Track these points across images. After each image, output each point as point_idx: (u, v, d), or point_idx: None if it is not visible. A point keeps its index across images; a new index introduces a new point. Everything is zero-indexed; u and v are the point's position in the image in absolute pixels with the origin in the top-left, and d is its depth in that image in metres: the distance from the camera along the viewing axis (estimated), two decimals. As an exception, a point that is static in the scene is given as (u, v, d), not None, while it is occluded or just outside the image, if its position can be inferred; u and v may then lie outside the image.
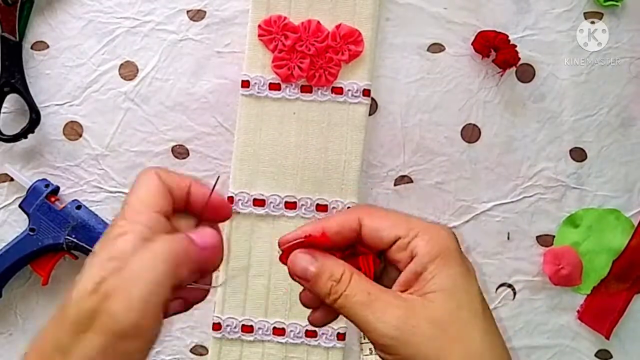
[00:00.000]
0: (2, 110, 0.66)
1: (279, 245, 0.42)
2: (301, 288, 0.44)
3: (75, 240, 0.65)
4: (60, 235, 0.65)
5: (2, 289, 0.67)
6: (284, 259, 0.42)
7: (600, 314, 0.69)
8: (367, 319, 0.38)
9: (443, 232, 0.40)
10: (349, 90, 0.67)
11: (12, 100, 0.67)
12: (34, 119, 0.66)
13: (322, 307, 0.44)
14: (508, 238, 0.70)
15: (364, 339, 0.68)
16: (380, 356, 0.39)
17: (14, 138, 0.66)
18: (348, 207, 0.60)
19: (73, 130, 0.68)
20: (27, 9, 0.67)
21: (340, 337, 0.67)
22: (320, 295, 0.40)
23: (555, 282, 0.69)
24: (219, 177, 0.50)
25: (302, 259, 0.41)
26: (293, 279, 0.42)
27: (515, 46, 0.68)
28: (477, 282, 0.40)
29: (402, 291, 0.39)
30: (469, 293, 0.39)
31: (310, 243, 0.41)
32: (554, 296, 0.70)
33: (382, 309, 0.38)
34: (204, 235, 0.41)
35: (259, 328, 0.67)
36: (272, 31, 0.67)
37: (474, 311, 0.39)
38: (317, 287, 0.40)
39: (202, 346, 0.69)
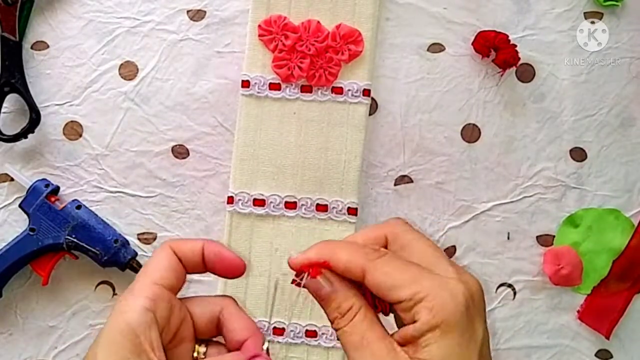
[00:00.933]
0: (2, 110, 0.66)
1: (290, 265, 0.41)
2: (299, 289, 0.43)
3: (75, 240, 0.65)
4: (60, 235, 0.65)
5: (2, 289, 0.67)
6: (296, 279, 0.41)
7: (601, 314, 0.70)
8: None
9: (450, 299, 0.37)
10: (349, 90, 0.67)
11: (12, 100, 0.67)
12: (34, 119, 0.66)
13: None
14: (508, 238, 0.70)
15: None
16: None
17: (14, 138, 0.66)
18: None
19: (73, 130, 0.68)
20: (27, 9, 0.67)
21: (340, 337, 0.67)
22: (328, 317, 0.41)
23: (555, 282, 0.69)
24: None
25: (317, 281, 0.40)
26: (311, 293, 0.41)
27: (515, 46, 0.68)
28: (479, 349, 0.38)
29: (401, 343, 0.39)
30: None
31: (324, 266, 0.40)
32: (554, 296, 0.70)
33: (364, 358, 0.38)
34: None
35: (259, 328, 0.67)
36: (272, 31, 0.67)
37: None
38: (326, 309, 0.40)
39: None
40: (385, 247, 0.41)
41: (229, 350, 0.43)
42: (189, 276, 0.43)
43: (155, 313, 0.39)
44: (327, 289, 0.40)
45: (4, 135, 0.66)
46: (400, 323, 0.40)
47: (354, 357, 0.39)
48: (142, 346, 0.38)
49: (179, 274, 0.42)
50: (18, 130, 0.66)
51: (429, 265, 0.40)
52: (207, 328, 0.43)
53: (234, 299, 0.44)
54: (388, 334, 0.39)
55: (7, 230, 0.68)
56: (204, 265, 0.43)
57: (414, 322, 0.38)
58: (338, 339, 0.40)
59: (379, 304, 0.41)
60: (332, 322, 0.40)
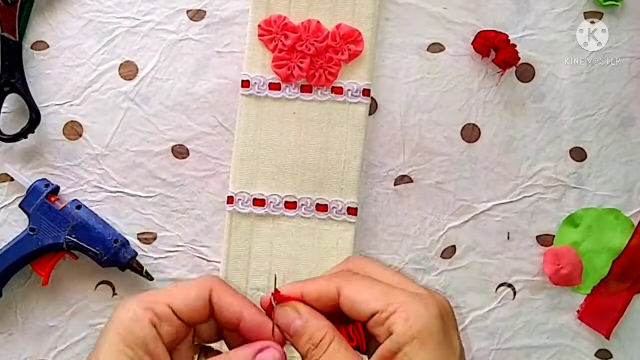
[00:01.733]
0: (2, 110, 0.66)
1: (261, 304, 0.41)
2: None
3: (75, 240, 0.65)
4: (60, 235, 0.65)
5: (2, 289, 0.67)
6: (269, 308, 0.41)
7: (601, 314, 0.70)
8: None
9: (425, 310, 0.37)
10: (349, 90, 0.67)
11: (12, 100, 0.67)
12: (34, 119, 0.66)
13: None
14: (508, 238, 0.70)
15: None
16: None
17: (14, 138, 0.66)
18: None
19: (73, 130, 0.68)
20: (27, 9, 0.67)
21: (341, 337, 0.67)
22: (300, 353, 0.39)
23: (555, 282, 0.69)
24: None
25: (289, 313, 0.39)
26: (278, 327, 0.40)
27: (516, 46, 0.68)
28: (457, 358, 0.37)
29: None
30: None
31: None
32: (554, 296, 0.70)
33: None
34: None
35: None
36: (272, 31, 0.67)
37: None
38: (297, 345, 0.39)
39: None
40: (339, 296, 0.40)
41: (228, 339, 0.42)
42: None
43: (160, 330, 0.38)
44: (298, 322, 0.39)
45: (4, 135, 0.66)
46: (376, 346, 0.39)
47: None
48: (147, 352, 0.37)
49: (197, 314, 0.40)
50: (18, 131, 0.66)
51: (399, 285, 0.39)
52: (199, 313, 0.41)
53: (218, 278, 0.43)
54: None
55: (7, 230, 0.68)
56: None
57: (390, 335, 0.37)
58: None
59: (354, 335, 0.40)
60: (306, 356, 0.38)
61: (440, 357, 0.36)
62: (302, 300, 0.39)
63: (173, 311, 0.39)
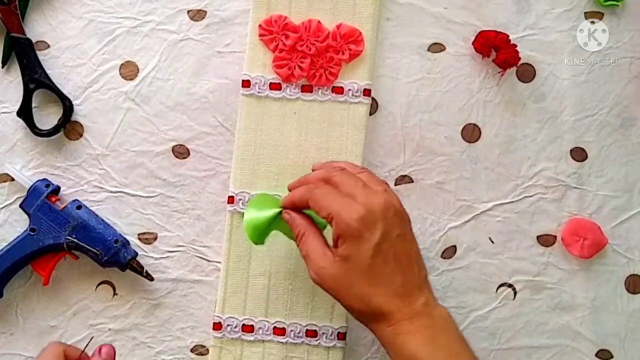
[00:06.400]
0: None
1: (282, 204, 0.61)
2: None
3: (75, 240, 0.65)
4: (60, 235, 0.65)
5: (3, 289, 0.67)
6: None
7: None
8: (305, 267, 0.59)
9: (348, 216, 0.55)
10: (349, 90, 0.67)
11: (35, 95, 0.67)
12: (68, 106, 0.66)
13: None
14: (492, 242, 0.70)
15: None
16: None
17: (53, 131, 0.67)
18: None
19: (74, 130, 0.68)
20: (22, 8, 0.67)
21: (341, 336, 0.67)
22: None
23: (587, 255, 0.69)
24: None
25: (285, 218, 0.61)
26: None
27: (516, 46, 0.68)
28: (373, 247, 0.55)
29: (335, 246, 0.57)
30: (359, 259, 0.55)
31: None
32: (554, 296, 0.70)
33: (309, 264, 0.58)
34: None
35: (260, 328, 0.67)
36: (273, 31, 0.67)
37: (361, 271, 0.56)
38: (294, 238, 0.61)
39: (202, 346, 0.69)
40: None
41: None
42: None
43: None
44: (290, 220, 0.60)
45: (41, 130, 0.67)
46: None
47: (306, 264, 0.58)
48: None
49: None
50: (50, 125, 0.67)
51: (351, 192, 0.57)
52: None
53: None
54: (328, 245, 0.58)
55: (7, 230, 0.68)
56: None
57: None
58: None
59: None
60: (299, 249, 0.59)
61: (355, 244, 0.55)
62: (294, 205, 0.60)
63: None
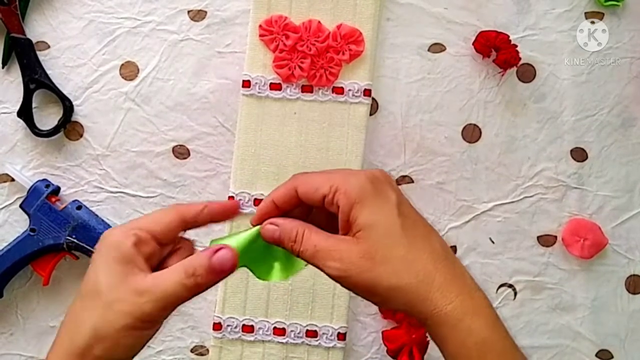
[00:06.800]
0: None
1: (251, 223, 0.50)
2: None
3: (75, 240, 0.65)
4: (60, 235, 0.65)
5: (3, 289, 0.67)
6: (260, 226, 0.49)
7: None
8: (318, 266, 0.46)
9: (356, 180, 0.46)
10: (349, 90, 0.67)
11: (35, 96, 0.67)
12: (68, 107, 0.66)
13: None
14: (492, 242, 0.70)
15: None
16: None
17: (53, 131, 0.67)
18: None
19: (74, 131, 0.68)
20: (22, 8, 0.67)
21: (341, 337, 0.67)
22: (295, 255, 0.48)
23: (588, 255, 0.69)
24: None
25: (268, 229, 0.48)
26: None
27: (516, 46, 0.68)
28: (396, 207, 0.46)
29: (344, 234, 0.47)
30: (387, 222, 0.46)
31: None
32: (555, 296, 0.70)
33: (324, 258, 0.46)
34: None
35: (260, 328, 0.67)
36: (273, 31, 0.67)
37: (394, 235, 0.46)
38: (287, 248, 0.48)
39: (202, 346, 0.69)
40: (297, 194, 0.49)
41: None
42: None
43: (140, 249, 0.46)
44: (277, 233, 0.48)
45: (41, 130, 0.67)
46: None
47: (316, 264, 0.47)
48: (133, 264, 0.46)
49: (170, 235, 0.48)
50: (50, 125, 0.67)
51: (335, 171, 0.49)
52: (172, 234, 0.49)
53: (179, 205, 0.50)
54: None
55: (7, 230, 0.68)
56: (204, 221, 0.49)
57: (339, 208, 0.46)
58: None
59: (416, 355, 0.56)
60: (298, 255, 0.47)
61: (376, 206, 0.46)
62: (276, 212, 0.49)
63: (151, 234, 0.47)
